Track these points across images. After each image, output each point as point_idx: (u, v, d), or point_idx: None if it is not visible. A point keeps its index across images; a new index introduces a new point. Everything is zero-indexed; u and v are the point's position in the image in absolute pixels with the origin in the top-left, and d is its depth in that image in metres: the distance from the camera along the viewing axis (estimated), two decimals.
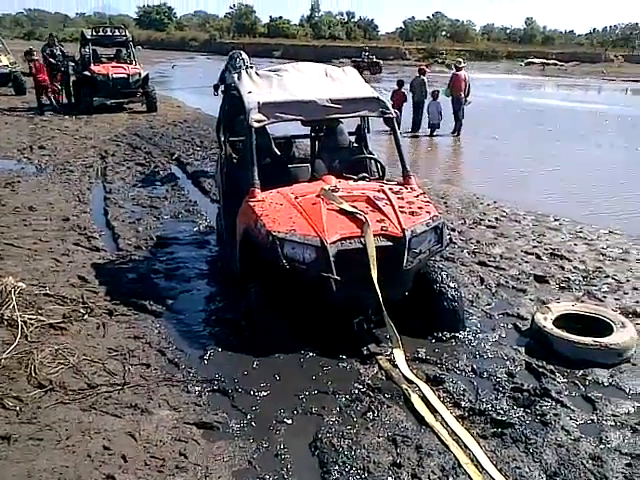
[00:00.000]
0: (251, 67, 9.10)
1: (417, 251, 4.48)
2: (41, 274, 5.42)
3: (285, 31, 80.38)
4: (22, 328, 4.26)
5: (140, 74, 16.99)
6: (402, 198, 4.89)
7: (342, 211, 4.59)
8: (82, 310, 4.74)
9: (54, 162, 10.62)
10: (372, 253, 4.27)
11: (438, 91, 15.18)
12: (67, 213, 7.46)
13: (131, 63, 17.66)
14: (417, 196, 4.98)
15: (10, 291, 4.62)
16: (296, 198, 4.81)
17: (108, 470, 3.03)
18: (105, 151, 11.68)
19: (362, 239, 4.34)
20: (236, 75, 5.74)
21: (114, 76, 16.58)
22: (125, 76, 16.71)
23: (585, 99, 28.06)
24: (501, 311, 5.10)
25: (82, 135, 13.31)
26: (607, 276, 5.98)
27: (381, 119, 5.38)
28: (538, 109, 22.34)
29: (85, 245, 6.37)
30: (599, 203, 9.17)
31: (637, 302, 5.36)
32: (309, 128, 6.49)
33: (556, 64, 54.02)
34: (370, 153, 6.23)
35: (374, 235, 4.37)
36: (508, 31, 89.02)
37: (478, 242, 6.87)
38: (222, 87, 9.35)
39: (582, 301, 5.30)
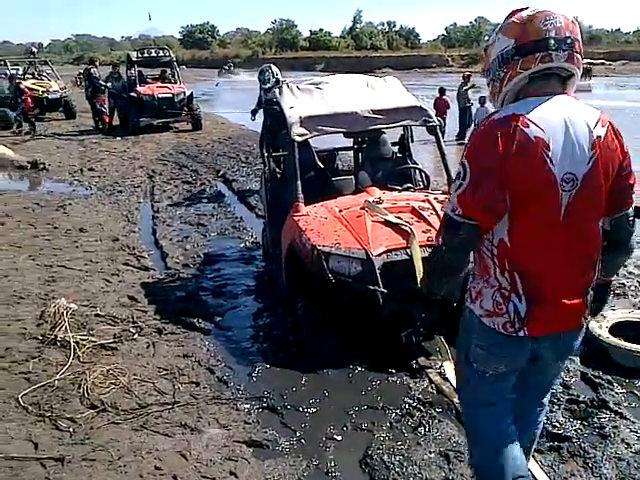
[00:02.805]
0: (283, 80, 8.98)
1: None
2: (92, 295, 5.50)
3: (327, 44, 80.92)
4: (74, 349, 4.32)
5: (185, 93, 17.25)
6: None
7: (387, 223, 4.53)
8: (132, 330, 4.78)
9: (103, 183, 10.84)
10: (419, 264, 4.20)
11: (484, 97, 14.96)
12: (116, 233, 7.58)
13: (176, 82, 17.99)
14: None
15: (62, 313, 4.71)
16: (340, 211, 4.78)
17: None
18: (152, 170, 11.89)
19: (408, 250, 4.28)
20: (277, 90, 5.76)
21: (159, 96, 16.87)
22: (170, 96, 16.98)
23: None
24: None
25: (130, 156, 13.58)
26: None
27: (424, 128, 5.34)
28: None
29: (134, 265, 6.45)
30: None
31: None
32: (352, 140, 6.49)
33: (604, 64, 52.82)
34: (414, 163, 6.16)
35: (420, 246, 4.30)
36: None
37: None
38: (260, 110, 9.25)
39: (639, 308, 5.11)
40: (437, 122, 5.36)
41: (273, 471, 3.20)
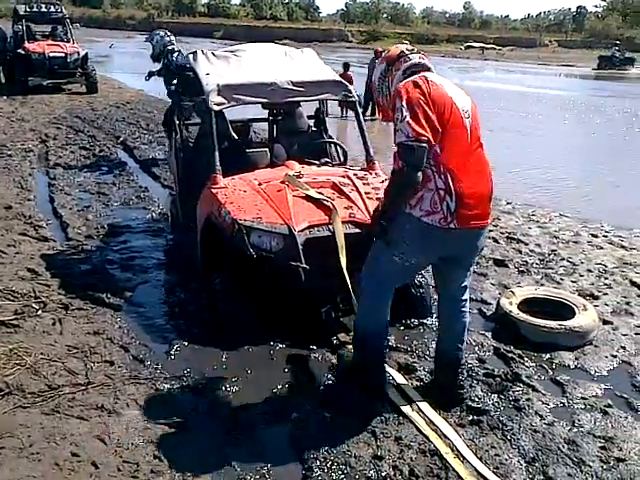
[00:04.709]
0: (177, 48, 9.24)
1: None
2: None
3: (225, 11, 79.06)
4: None
5: (79, 53, 16.32)
6: (367, 184, 4.79)
7: (308, 198, 4.45)
8: (35, 305, 4.45)
9: None
10: (341, 241, 4.14)
11: None
12: (9, 201, 7.04)
13: (68, 41, 16.97)
14: (382, 182, 4.86)
15: None
16: (260, 184, 4.65)
17: (78, 479, 2.84)
18: (45, 134, 11.13)
19: (330, 226, 4.22)
20: (191, 55, 5.50)
21: (51, 55, 15.92)
22: (63, 55, 16.04)
23: (527, 83, 28.58)
24: None
25: (18, 117, 12.66)
26: (562, 259, 6.07)
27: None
28: (483, 92, 22.62)
29: (32, 235, 6.01)
30: (547, 186, 9.37)
31: (592, 284, 5.46)
32: (266, 111, 6.34)
33: (494, 48, 54.90)
34: (330, 137, 6.12)
35: (342, 222, 4.25)
36: (447, 15, 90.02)
37: None
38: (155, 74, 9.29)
39: (542, 284, 5.35)
40: (356, 97, 5.32)
41: (200, 454, 3.08)
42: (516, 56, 50.38)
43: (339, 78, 5.38)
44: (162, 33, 9.52)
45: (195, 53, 5.48)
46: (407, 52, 3.28)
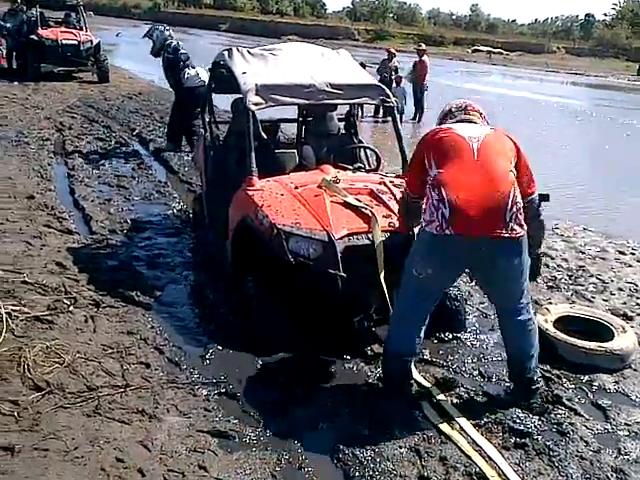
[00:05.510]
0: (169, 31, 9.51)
1: None
2: (14, 259, 5.01)
3: (232, 4, 78.65)
4: (7, 321, 3.89)
5: (92, 41, 16.24)
6: None
7: (346, 204, 4.38)
8: (66, 301, 4.37)
9: (6, 132, 9.90)
10: (380, 250, 4.09)
11: (401, 77, 15.07)
12: (30, 190, 6.94)
13: (82, 29, 16.84)
14: None
15: None
16: (296, 188, 4.57)
17: None
18: (60, 123, 11.01)
19: (370, 235, 4.15)
20: (226, 53, 5.43)
21: (64, 42, 15.80)
22: (76, 43, 15.92)
23: (540, 90, 28.51)
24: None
25: (33, 104, 12.52)
26: (591, 275, 5.97)
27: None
28: (491, 97, 22.58)
29: (56, 227, 5.93)
30: (568, 199, 9.29)
31: (624, 304, 5.36)
32: (296, 112, 6.29)
33: (502, 53, 54.81)
34: (360, 141, 6.06)
35: (382, 231, 4.19)
36: (454, 17, 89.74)
37: None
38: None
39: (573, 302, 5.26)
40: (395, 102, 5.25)
41: (243, 465, 3.00)
42: (524, 61, 50.22)
43: (377, 82, 5.32)
44: (161, 28, 9.66)
45: (230, 50, 5.42)
46: (454, 110, 3.81)
